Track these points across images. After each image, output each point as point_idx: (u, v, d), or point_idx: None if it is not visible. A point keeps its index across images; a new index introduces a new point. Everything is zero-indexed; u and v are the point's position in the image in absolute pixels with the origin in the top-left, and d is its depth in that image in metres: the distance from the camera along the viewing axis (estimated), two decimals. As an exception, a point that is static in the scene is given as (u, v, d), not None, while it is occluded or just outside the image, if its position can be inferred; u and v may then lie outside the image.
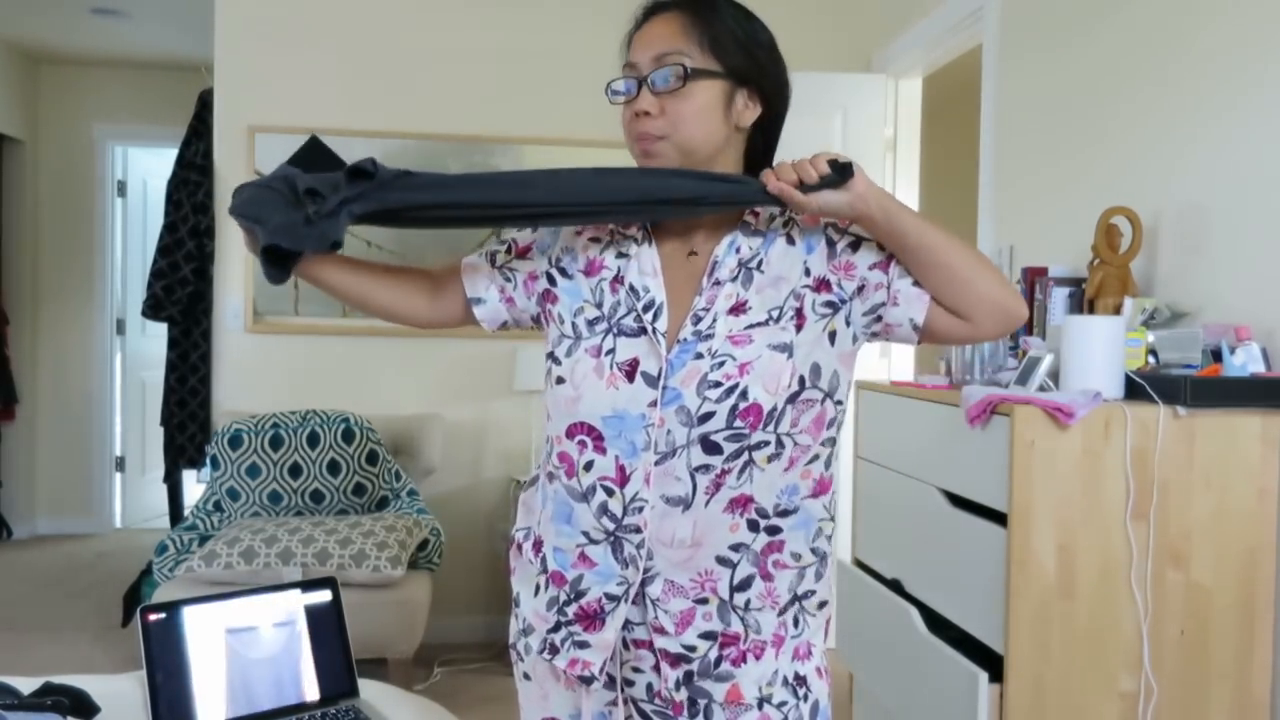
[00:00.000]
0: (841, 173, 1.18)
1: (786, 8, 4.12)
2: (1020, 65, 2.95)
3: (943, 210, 5.16)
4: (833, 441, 1.28)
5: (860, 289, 1.24)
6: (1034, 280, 2.39)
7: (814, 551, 1.27)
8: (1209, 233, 2.15)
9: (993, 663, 1.88)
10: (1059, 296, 2.31)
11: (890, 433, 2.44)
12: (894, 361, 3.96)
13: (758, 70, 1.27)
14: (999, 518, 1.88)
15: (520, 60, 3.96)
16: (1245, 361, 1.86)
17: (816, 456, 1.25)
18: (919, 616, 2.16)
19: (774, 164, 1.25)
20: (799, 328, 1.23)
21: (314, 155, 1.30)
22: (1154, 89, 2.34)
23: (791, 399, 1.21)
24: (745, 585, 1.24)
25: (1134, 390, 1.88)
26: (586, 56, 3.81)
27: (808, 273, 1.25)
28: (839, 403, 1.27)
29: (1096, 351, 1.89)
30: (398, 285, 1.39)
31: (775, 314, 1.23)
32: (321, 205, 1.21)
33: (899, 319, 1.24)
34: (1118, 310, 2.12)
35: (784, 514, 1.24)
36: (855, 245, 1.26)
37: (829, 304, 1.24)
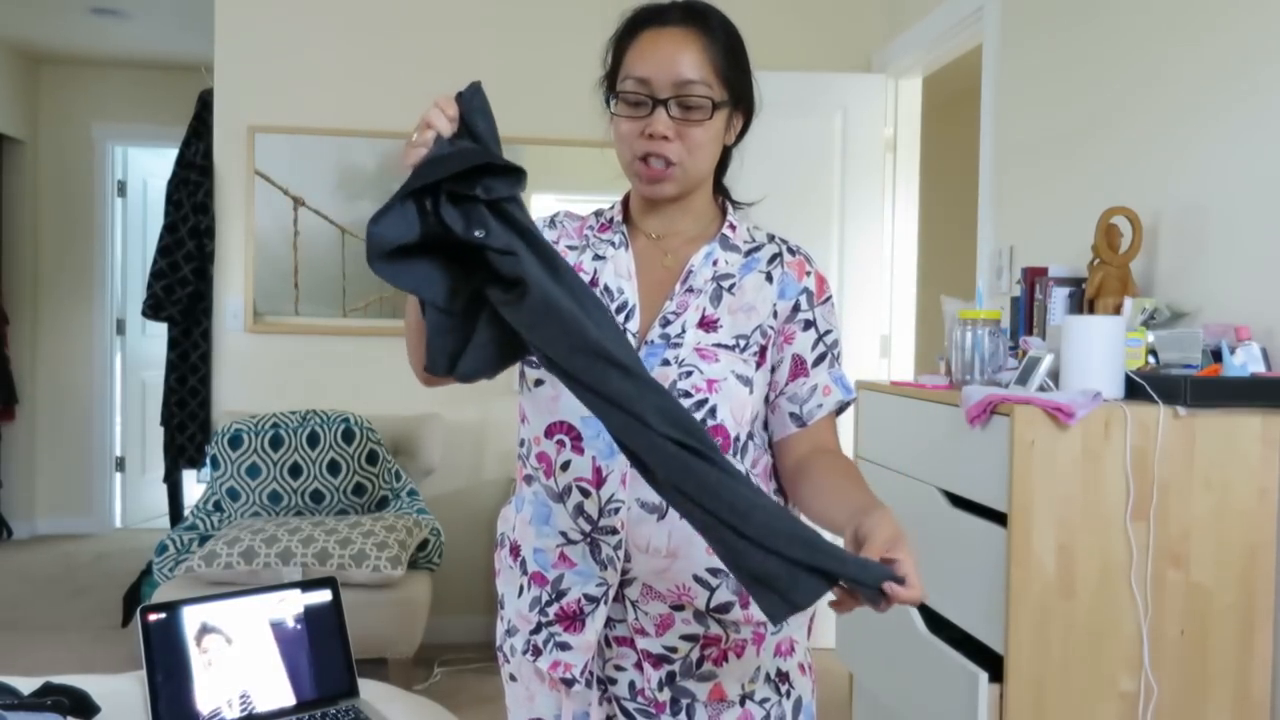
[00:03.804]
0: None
1: (786, 8, 4.14)
2: (1020, 66, 2.95)
3: (943, 210, 5.17)
4: (780, 492, 1.30)
5: (777, 364, 1.28)
6: (1034, 280, 2.39)
7: None
8: (1209, 233, 2.15)
9: (993, 663, 1.88)
10: (1059, 296, 2.31)
11: (890, 433, 2.43)
12: (894, 361, 3.96)
13: (749, 93, 1.30)
14: (999, 518, 1.88)
15: (520, 60, 3.96)
16: (1245, 361, 1.86)
17: None
18: (919, 616, 2.16)
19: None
20: (758, 365, 1.25)
21: (475, 102, 1.14)
22: (1154, 89, 2.34)
23: (752, 435, 1.25)
24: (724, 609, 1.25)
25: (1134, 390, 1.88)
26: (586, 56, 3.79)
27: (775, 314, 1.27)
28: (771, 457, 1.30)
29: (1096, 351, 1.89)
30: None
31: (742, 342, 1.25)
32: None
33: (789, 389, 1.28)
34: (1118, 310, 2.12)
35: None
36: (805, 326, 1.28)
37: (770, 355, 1.27)
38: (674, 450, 1.00)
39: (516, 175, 1.05)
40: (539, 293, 1.04)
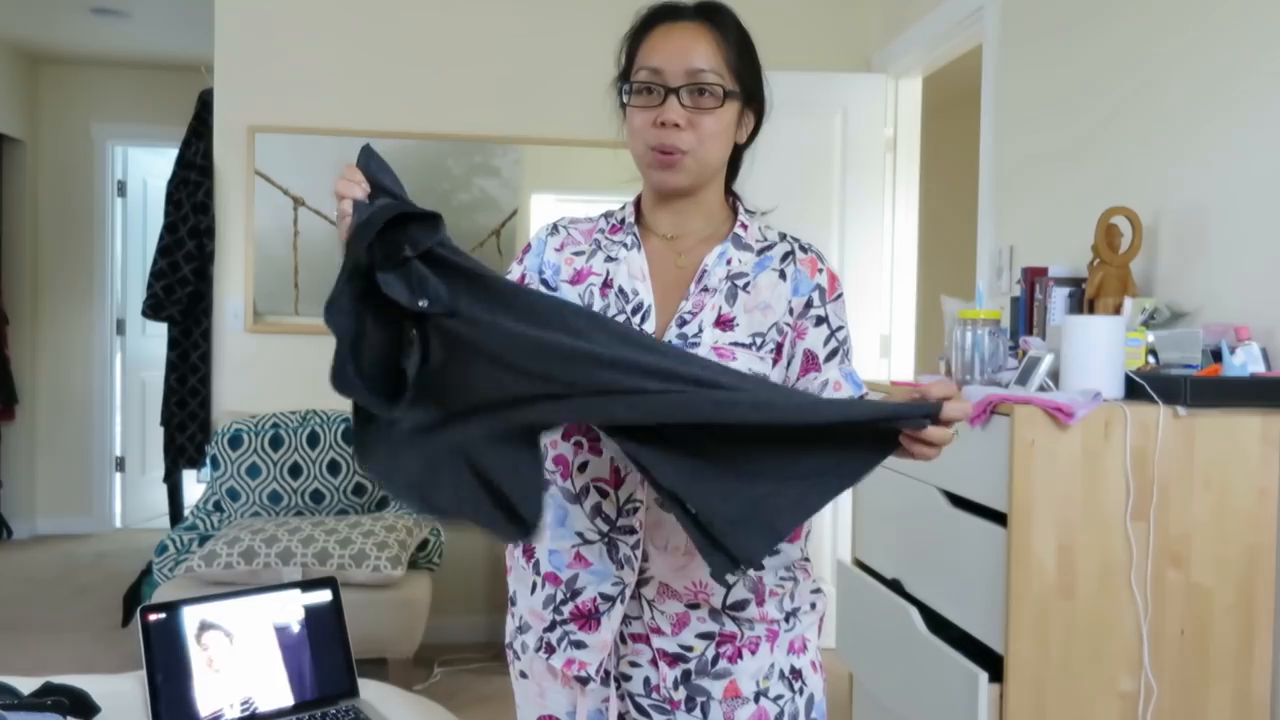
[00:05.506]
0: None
1: (786, 8, 4.14)
2: (1020, 65, 2.95)
3: (943, 210, 5.16)
4: None
5: (791, 358, 1.28)
6: (1034, 280, 2.39)
7: (794, 579, 1.30)
8: (1209, 233, 2.15)
9: (993, 663, 1.88)
10: (1059, 296, 2.31)
11: (890, 433, 2.43)
12: (894, 361, 3.96)
13: (759, 92, 1.31)
14: (999, 518, 1.88)
15: (520, 60, 3.96)
16: (1245, 361, 1.86)
17: None
18: (919, 616, 2.15)
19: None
20: (775, 362, 1.26)
21: (370, 162, 1.22)
22: (1153, 89, 2.34)
23: None
24: (739, 607, 1.26)
25: (1134, 390, 1.88)
26: (587, 56, 3.81)
27: (790, 311, 1.28)
28: None
29: (1096, 351, 1.89)
30: None
31: (759, 340, 1.25)
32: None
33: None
34: (1118, 310, 2.12)
35: None
36: (817, 321, 1.28)
37: (786, 352, 1.27)
38: (677, 394, 1.05)
39: (434, 221, 1.10)
40: (500, 337, 1.09)
